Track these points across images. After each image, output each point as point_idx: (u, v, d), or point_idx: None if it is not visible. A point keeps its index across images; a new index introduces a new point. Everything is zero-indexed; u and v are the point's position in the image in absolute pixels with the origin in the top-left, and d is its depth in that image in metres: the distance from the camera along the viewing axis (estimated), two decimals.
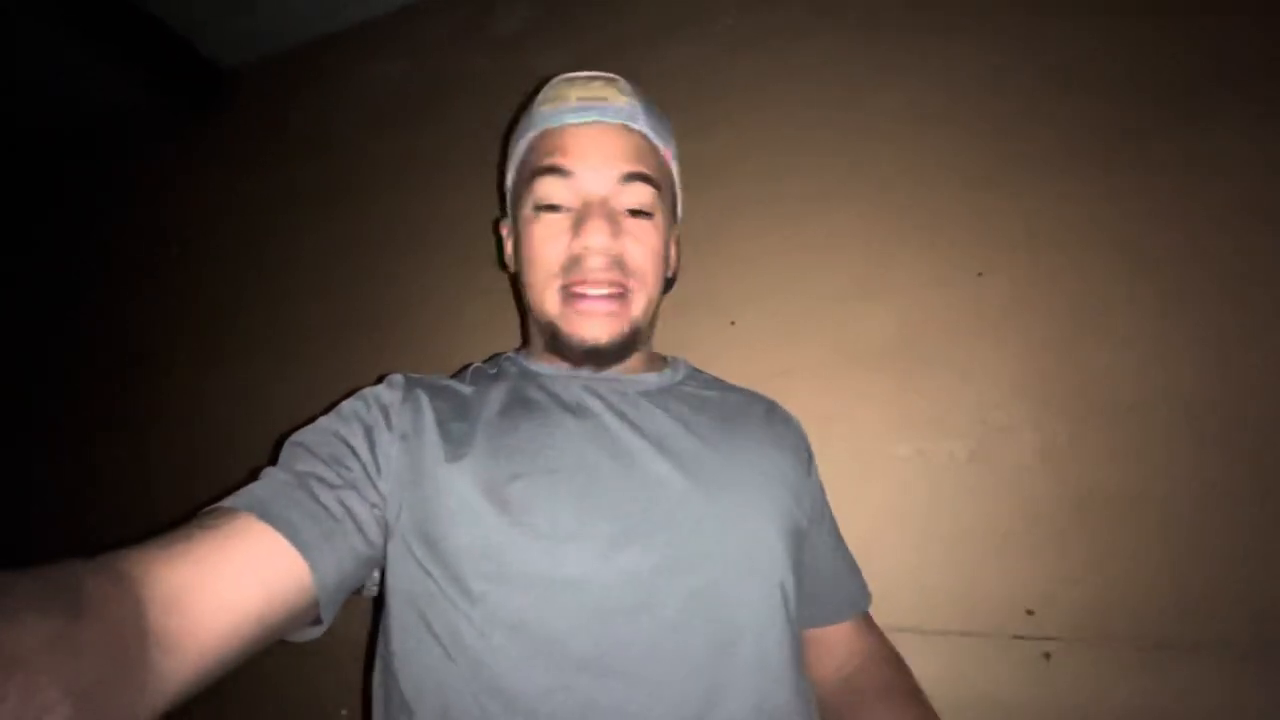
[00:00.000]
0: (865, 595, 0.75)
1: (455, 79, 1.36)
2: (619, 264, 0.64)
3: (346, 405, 0.62)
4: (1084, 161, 0.87)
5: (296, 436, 0.58)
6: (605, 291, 0.64)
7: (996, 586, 0.78)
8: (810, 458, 0.75)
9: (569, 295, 0.64)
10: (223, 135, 1.60)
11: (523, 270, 0.69)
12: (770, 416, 0.74)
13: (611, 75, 0.70)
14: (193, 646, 0.40)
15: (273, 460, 0.57)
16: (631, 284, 0.65)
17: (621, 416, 0.63)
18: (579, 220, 0.63)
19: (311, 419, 0.61)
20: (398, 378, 0.66)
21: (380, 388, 0.64)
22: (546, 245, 0.65)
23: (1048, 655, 0.75)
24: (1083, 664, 0.74)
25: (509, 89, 1.29)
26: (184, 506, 0.53)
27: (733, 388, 0.78)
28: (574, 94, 0.67)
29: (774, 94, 1.07)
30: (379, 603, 0.60)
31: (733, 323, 1.00)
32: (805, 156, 1.03)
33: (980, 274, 0.89)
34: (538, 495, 0.55)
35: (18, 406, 1.66)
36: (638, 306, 0.66)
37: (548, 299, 0.65)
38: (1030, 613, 0.77)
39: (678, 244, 0.78)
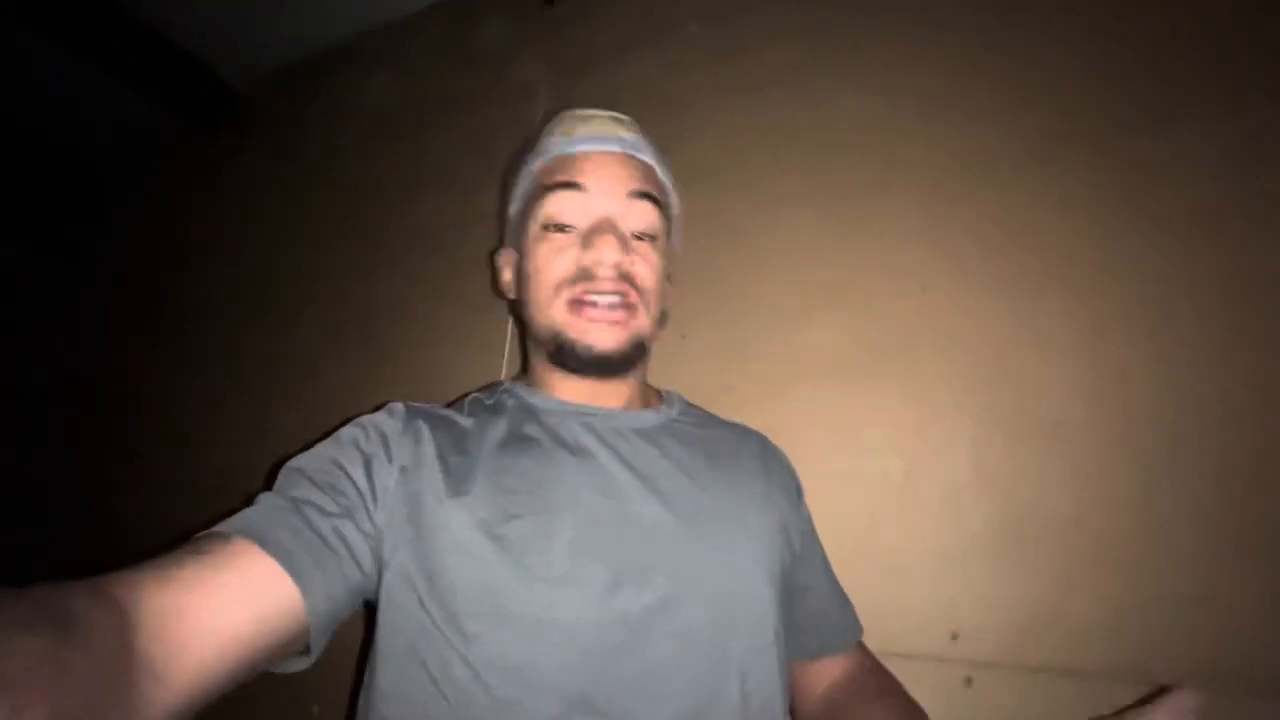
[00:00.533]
0: (856, 627, 0.74)
1: (442, 93, 1.41)
2: (627, 278, 0.65)
3: (345, 432, 0.62)
4: (1032, 174, 0.84)
5: (293, 462, 0.58)
6: (613, 300, 0.65)
7: (923, 607, 0.77)
8: (800, 493, 0.76)
9: (576, 304, 0.65)
10: (236, 153, 1.70)
11: (527, 288, 0.69)
12: (763, 454, 0.75)
13: (617, 114, 0.73)
14: (181, 672, 0.40)
15: (268, 485, 0.57)
16: (637, 299, 0.66)
17: (617, 455, 0.64)
18: (589, 236, 0.65)
19: (310, 443, 0.62)
20: (398, 407, 0.65)
21: (380, 416, 0.64)
22: (555, 259, 0.66)
23: (969, 681, 0.74)
24: (1005, 692, 0.72)
25: (493, 101, 1.34)
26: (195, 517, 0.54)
27: (725, 424, 0.78)
28: (580, 128, 0.70)
29: (733, 106, 1.07)
30: (367, 635, 0.60)
31: (684, 336, 1.01)
32: (761, 168, 1.03)
33: (924, 288, 0.87)
34: (535, 536, 0.56)
35: (32, 419, 1.81)
36: (643, 319, 0.67)
37: (555, 309, 0.66)
38: (955, 636, 0.75)
39: (670, 282, 0.77)
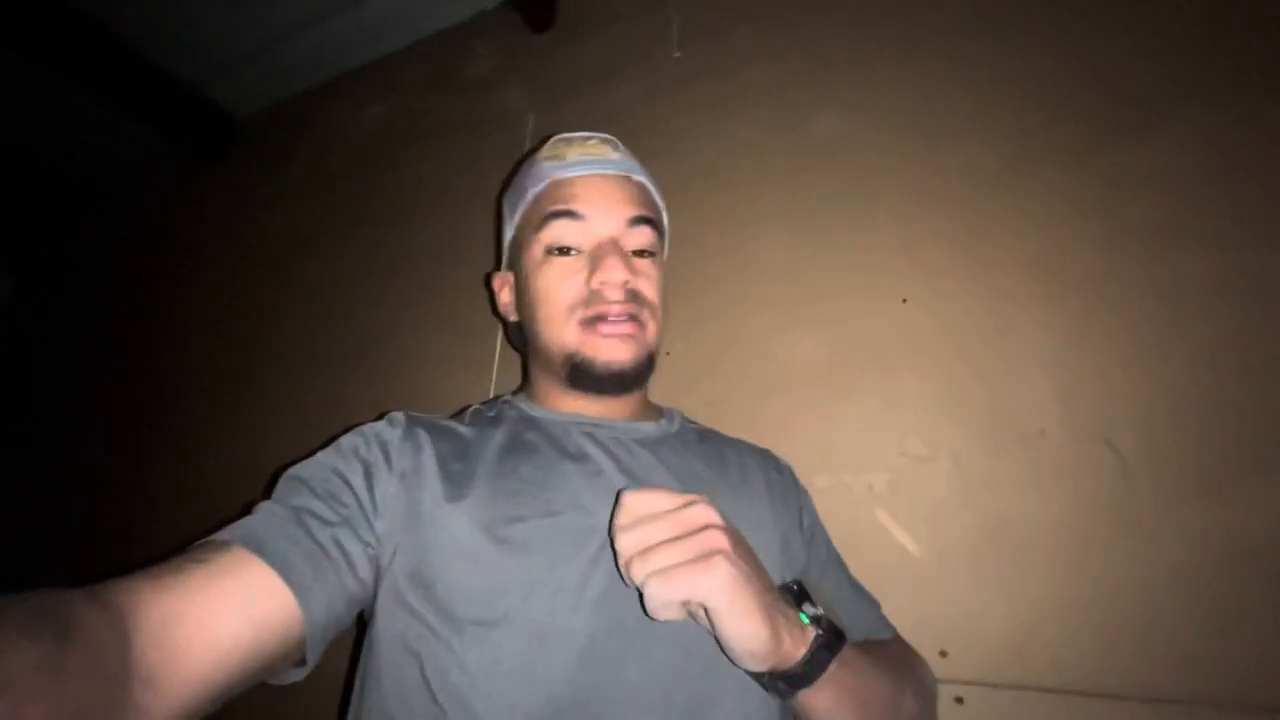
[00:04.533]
0: (885, 626, 0.71)
1: (432, 119, 1.44)
2: (634, 295, 0.67)
3: (346, 441, 0.61)
4: (1007, 186, 0.85)
5: (294, 470, 0.58)
6: (624, 316, 0.66)
7: (910, 625, 0.74)
8: (804, 504, 0.75)
9: (589, 324, 0.66)
10: (232, 180, 1.73)
11: (532, 311, 0.70)
12: (764, 466, 0.74)
13: (606, 135, 0.74)
14: (178, 681, 0.40)
15: (268, 493, 0.56)
16: (644, 314, 0.68)
17: (618, 463, 0.64)
18: (595, 259, 0.66)
19: (311, 452, 0.61)
20: (399, 416, 0.65)
21: (381, 425, 0.64)
22: (563, 283, 0.67)
23: (960, 700, 0.71)
24: (997, 710, 0.69)
25: (481, 126, 1.36)
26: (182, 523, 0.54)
27: (726, 438, 0.78)
28: (574, 151, 0.71)
29: (711, 126, 1.09)
30: (358, 646, 0.60)
31: (668, 353, 1.00)
32: (738, 185, 1.04)
33: (904, 300, 0.87)
34: (535, 539, 0.56)
35: (35, 434, 1.81)
36: (651, 333, 0.68)
37: (567, 332, 0.66)
38: (944, 654, 0.73)
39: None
